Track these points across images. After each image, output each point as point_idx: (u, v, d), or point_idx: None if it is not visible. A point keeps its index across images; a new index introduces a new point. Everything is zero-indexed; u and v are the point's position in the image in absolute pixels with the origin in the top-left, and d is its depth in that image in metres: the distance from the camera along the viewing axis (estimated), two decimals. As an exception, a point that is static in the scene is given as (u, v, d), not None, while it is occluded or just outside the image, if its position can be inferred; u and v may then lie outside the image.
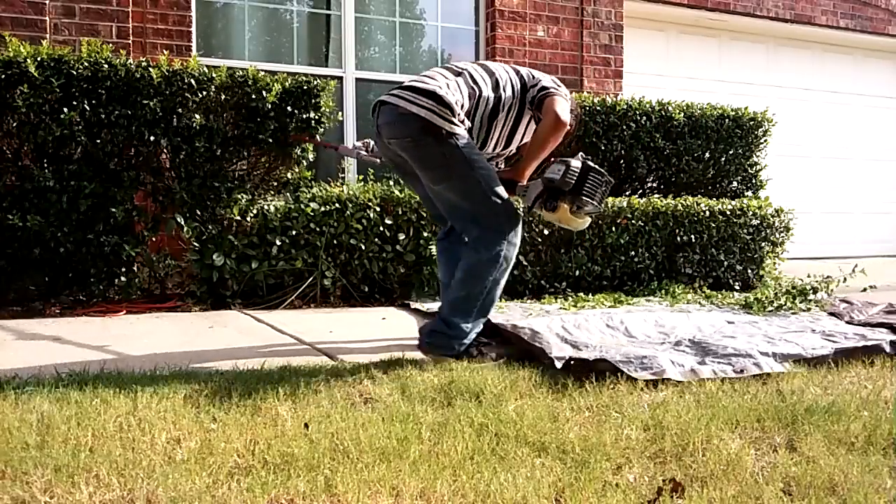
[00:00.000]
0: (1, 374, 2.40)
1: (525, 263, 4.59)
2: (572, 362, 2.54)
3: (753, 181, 5.89)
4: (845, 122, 8.43)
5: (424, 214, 4.31)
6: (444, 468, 1.66)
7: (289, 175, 4.35)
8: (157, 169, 4.08)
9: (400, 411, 2.07)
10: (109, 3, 4.93)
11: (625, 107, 5.38)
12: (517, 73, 2.99)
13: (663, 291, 4.65)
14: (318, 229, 4.14)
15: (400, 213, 4.30)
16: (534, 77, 2.97)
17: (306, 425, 1.94)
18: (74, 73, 3.79)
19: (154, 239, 4.15)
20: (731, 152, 5.73)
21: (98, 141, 3.88)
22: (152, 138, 3.95)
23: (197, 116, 4.02)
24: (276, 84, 4.15)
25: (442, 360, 2.72)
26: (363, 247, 4.23)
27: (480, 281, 2.80)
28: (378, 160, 3.67)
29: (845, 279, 4.18)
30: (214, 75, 4.07)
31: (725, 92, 7.35)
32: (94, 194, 3.84)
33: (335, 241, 4.19)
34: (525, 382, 2.44)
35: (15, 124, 3.82)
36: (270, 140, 4.18)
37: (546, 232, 4.63)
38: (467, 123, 2.82)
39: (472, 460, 1.73)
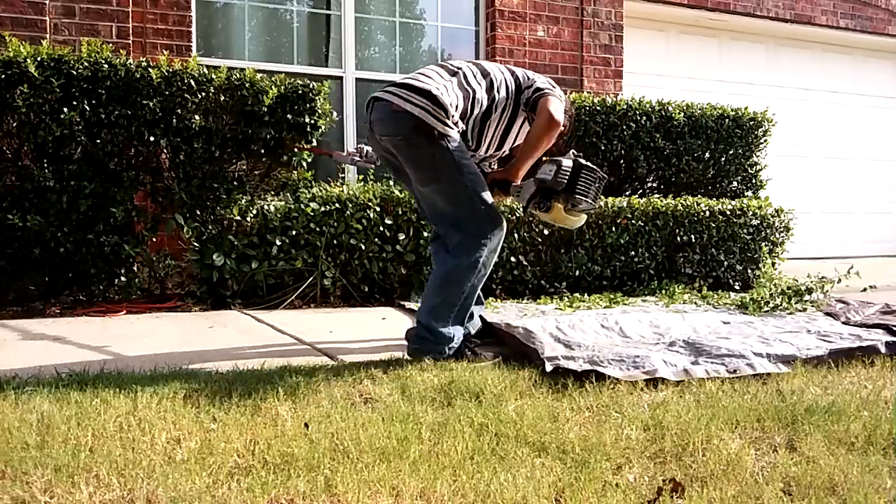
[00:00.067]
0: (1, 374, 2.40)
1: (525, 263, 4.59)
2: (560, 370, 2.53)
3: (753, 181, 5.89)
4: (845, 122, 8.43)
5: (424, 214, 4.32)
6: (444, 468, 1.66)
7: (287, 177, 4.35)
8: (156, 169, 4.09)
9: (400, 411, 2.07)
10: (109, 3, 4.93)
11: (625, 107, 5.39)
12: (512, 73, 2.97)
13: (663, 291, 4.65)
14: (318, 229, 4.14)
15: (400, 213, 4.30)
16: (528, 78, 2.96)
17: (306, 425, 1.94)
18: (74, 73, 3.79)
19: (154, 239, 4.15)
20: (731, 152, 5.73)
21: (98, 141, 3.88)
22: (152, 139, 3.95)
23: (196, 118, 4.01)
24: (272, 88, 4.14)
25: (441, 361, 2.72)
26: (363, 247, 4.23)
27: (458, 287, 2.79)
28: (372, 165, 3.66)
29: (840, 280, 4.17)
30: (214, 76, 4.07)
31: (725, 92, 7.35)
32: (94, 194, 3.84)
33: (335, 241, 4.19)
34: (525, 382, 2.44)
35: (15, 124, 3.82)
36: (264, 148, 4.17)
37: (546, 232, 4.63)
38: (461, 126, 2.80)
39: (472, 460, 1.73)
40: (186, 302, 4.03)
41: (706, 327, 3.31)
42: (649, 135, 5.41)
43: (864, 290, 5.06)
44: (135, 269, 4.11)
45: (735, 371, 2.59)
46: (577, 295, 4.49)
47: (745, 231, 5.21)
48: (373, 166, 3.68)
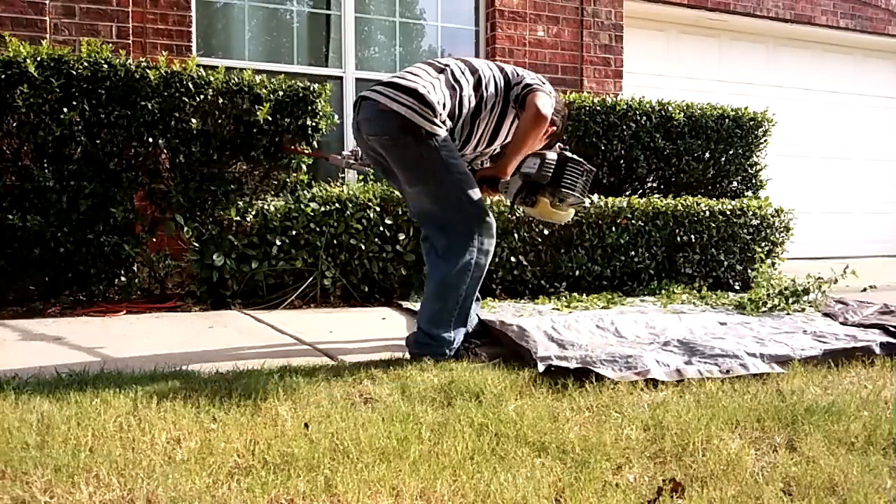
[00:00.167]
0: (1, 374, 2.40)
1: (525, 263, 4.59)
2: (553, 368, 2.52)
3: (753, 181, 5.89)
4: (845, 122, 8.43)
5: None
6: (444, 468, 1.66)
7: (286, 179, 4.35)
8: (155, 170, 4.08)
9: (400, 411, 2.07)
10: (109, 3, 4.94)
11: (625, 107, 5.39)
12: (501, 70, 2.94)
13: (663, 291, 4.65)
14: (318, 229, 4.14)
15: (400, 213, 4.30)
16: (518, 74, 2.92)
17: (306, 425, 1.94)
18: (74, 73, 3.79)
19: (154, 239, 4.15)
20: (731, 152, 5.74)
21: (98, 141, 3.88)
22: (151, 139, 3.95)
23: (193, 121, 4.00)
24: (270, 95, 4.11)
25: (442, 361, 2.72)
26: (363, 247, 4.23)
27: (454, 291, 2.77)
28: (368, 168, 3.65)
29: (836, 280, 4.17)
30: (212, 78, 4.06)
31: (725, 92, 7.35)
32: (94, 194, 3.84)
33: (335, 241, 4.19)
34: (525, 382, 2.44)
35: (15, 124, 3.82)
36: (263, 153, 4.16)
37: (546, 232, 4.63)
38: (448, 124, 2.77)
39: (472, 460, 1.73)
40: (186, 302, 4.03)
41: (703, 328, 3.30)
42: (649, 135, 5.41)
43: (864, 290, 5.06)
44: (135, 269, 4.11)
45: (728, 371, 2.58)
46: (575, 294, 4.49)
47: (745, 231, 5.21)
48: (369, 168, 3.66)
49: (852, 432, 1.96)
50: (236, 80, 4.11)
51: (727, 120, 5.69)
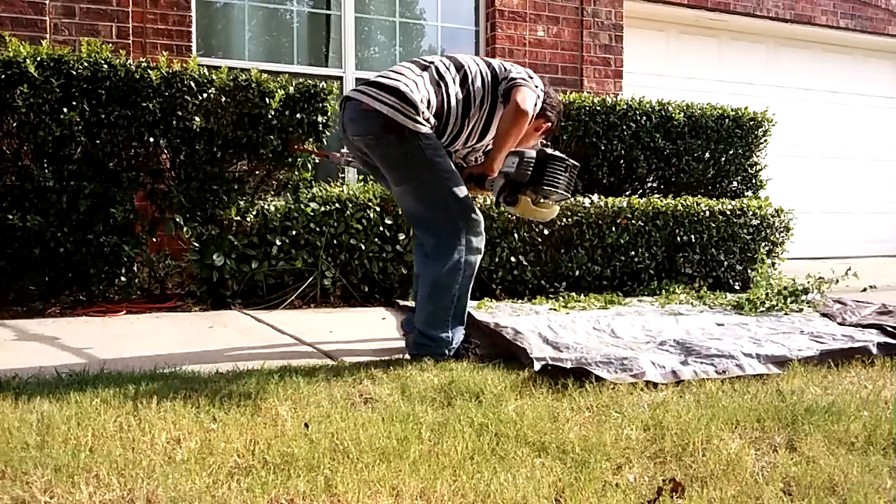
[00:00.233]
0: (1, 374, 2.40)
1: (525, 263, 4.59)
2: (549, 367, 2.52)
3: (753, 181, 5.89)
4: (845, 122, 8.43)
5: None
6: (444, 468, 1.66)
7: (288, 178, 4.34)
8: (156, 170, 4.09)
9: (400, 411, 2.07)
10: (109, 3, 4.94)
11: (625, 107, 5.39)
12: (488, 65, 2.92)
13: (663, 291, 4.64)
14: (318, 229, 4.14)
15: (400, 213, 4.30)
16: (505, 69, 2.90)
17: (306, 425, 1.94)
18: (74, 73, 3.79)
19: (154, 239, 4.15)
20: (731, 152, 5.74)
21: (98, 141, 3.88)
22: (152, 139, 3.95)
23: (197, 119, 4.01)
24: (279, 90, 4.13)
25: (442, 361, 2.72)
26: (363, 247, 4.23)
27: (447, 291, 2.76)
28: None
29: (837, 281, 4.16)
30: (214, 77, 4.06)
31: (725, 92, 7.35)
32: (94, 194, 3.84)
33: (335, 241, 4.19)
34: (525, 382, 2.44)
35: (15, 124, 3.82)
36: (271, 151, 4.16)
37: (546, 232, 4.63)
38: (433, 122, 2.74)
39: (472, 460, 1.73)
40: (186, 302, 4.03)
41: (699, 329, 3.29)
42: (649, 135, 5.41)
43: (864, 290, 5.06)
44: (135, 269, 4.11)
45: (724, 372, 2.56)
46: (573, 294, 4.48)
47: (745, 231, 5.21)
48: None
49: (852, 432, 1.96)
50: (245, 76, 4.13)
51: (727, 120, 5.69)
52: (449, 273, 2.75)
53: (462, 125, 2.86)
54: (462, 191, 2.79)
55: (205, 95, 4.03)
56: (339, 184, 4.51)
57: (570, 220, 4.69)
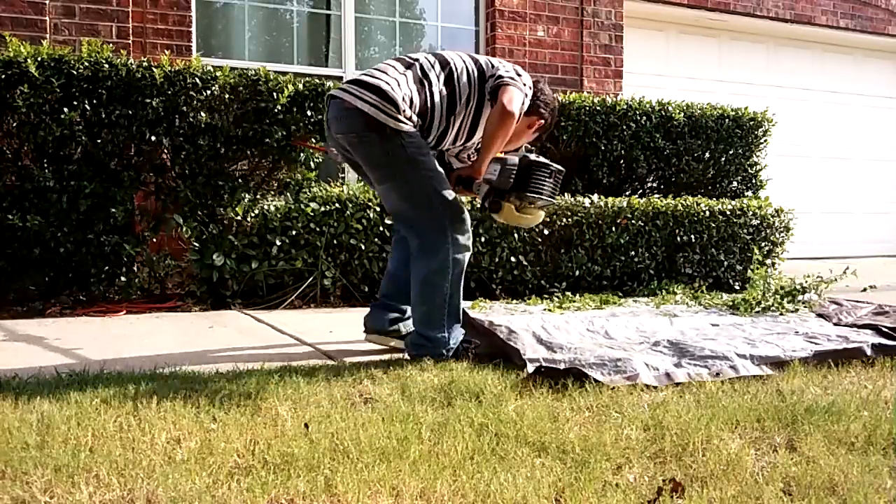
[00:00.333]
0: (1, 374, 2.40)
1: (525, 263, 4.59)
2: (543, 369, 2.50)
3: (753, 181, 5.90)
4: (845, 122, 8.43)
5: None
6: (444, 468, 1.66)
7: (294, 176, 4.35)
8: (160, 167, 4.09)
9: (400, 411, 2.07)
10: (109, 3, 4.94)
11: (625, 107, 5.38)
12: (475, 61, 2.88)
13: (663, 291, 4.64)
14: (318, 229, 4.14)
15: (400, 213, 4.29)
16: (492, 66, 2.86)
17: (306, 425, 1.94)
18: (75, 73, 3.80)
19: (154, 239, 4.16)
20: (731, 152, 5.74)
21: (98, 141, 3.89)
22: (153, 138, 3.96)
23: (202, 114, 4.02)
24: (289, 86, 4.16)
25: (441, 361, 2.71)
26: (363, 247, 4.23)
27: (438, 290, 2.74)
28: None
29: (835, 280, 4.15)
30: (218, 74, 4.07)
31: (725, 92, 7.36)
32: (95, 194, 3.84)
33: (335, 241, 4.19)
34: (525, 382, 2.44)
35: (15, 124, 3.82)
36: (276, 142, 4.17)
37: (546, 232, 4.63)
38: (415, 120, 2.72)
39: (472, 460, 1.73)
40: (186, 302, 4.03)
41: (694, 330, 3.26)
42: (649, 135, 5.41)
43: (864, 290, 5.06)
44: (135, 269, 4.11)
45: (718, 374, 2.55)
46: (568, 294, 4.46)
47: (745, 231, 5.21)
48: None
49: (852, 432, 1.96)
50: (254, 71, 4.15)
51: (727, 120, 5.69)
52: (437, 271, 2.73)
53: (448, 123, 2.83)
54: (446, 189, 2.77)
55: (209, 92, 4.04)
56: (339, 184, 4.51)
57: (570, 220, 4.69)
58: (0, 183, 3.80)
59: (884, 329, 3.15)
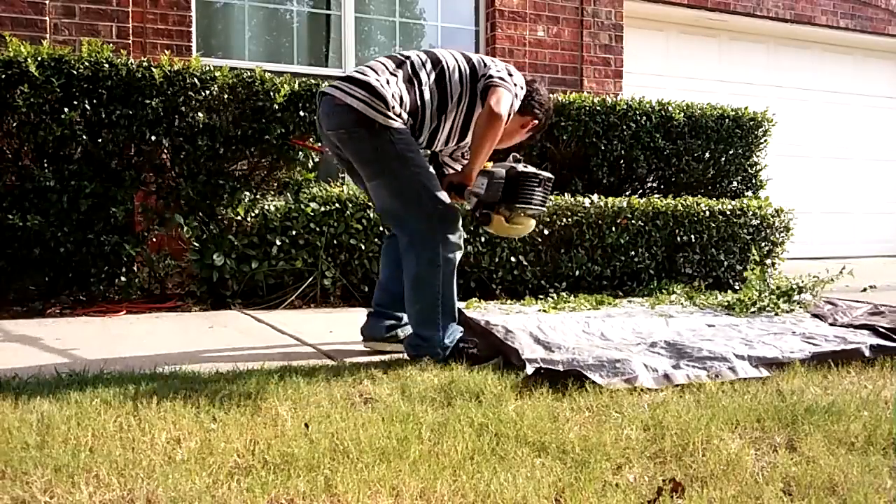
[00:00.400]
0: (1, 374, 2.40)
1: (525, 263, 4.59)
2: (542, 371, 2.48)
3: (753, 181, 5.89)
4: (845, 122, 8.43)
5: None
6: (444, 468, 1.66)
7: (292, 176, 4.35)
8: (159, 167, 4.10)
9: (400, 411, 2.07)
10: (109, 3, 4.94)
11: (625, 107, 5.38)
12: (468, 60, 2.86)
13: (663, 291, 4.63)
14: (318, 229, 4.14)
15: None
16: (484, 65, 2.84)
17: (306, 425, 1.94)
18: (75, 72, 3.80)
19: (154, 239, 4.16)
20: (731, 152, 5.74)
21: (99, 141, 3.89)
22: (153, 138, 3.96)
23: (200, 115, 4.02)
24: (284, 86, 4.17)
25: (441, 363, 2.70)
26: (363, 247, 4.23)
27: (429, 288, 2.72)
28: None
29: (832, 280, 4.14)
30: (217, 74, 4.08)
31: (725, 92, 7.35)
32: (95, 194, 3.84)
33: (335, 241, 4.19)
34: (525, 382, 2.43)
35: (15, 124, 3.82)
36: (275, 139, 4.18)
37: (546, 232, 4.63)
38: (405, 117, 2.72)
39: (472, 460, 1.73)
40: (186, 302, 4.03)
41: (690, 331, 3.24)
42: (649, 135, 5.41)
43: (865, 290, 5.06)
44: (135, 269, 4.12)
45: (717, 375, 2.53)
46: (562, 295, 4.43)
47: (745, 231, 5.21)
48: None
49: (852, 432, 1.96)
50: (249, 73, 4.16)
51: (727, 120, 5.69)
52: (427, 269, 2.71)
53: (439, 122, 2.82)
54: (436, 186, 2.75)
55: (207, 92, 4.04)
56: (339, 184, 4.51)
57: (570, 220, 4.69)
58: (0, 183, 3.80)
59: (881, 329, 3.14)
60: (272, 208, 4.10)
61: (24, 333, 3.25)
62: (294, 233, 4.10)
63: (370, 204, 4.23)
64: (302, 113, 4.23)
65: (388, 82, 2.70)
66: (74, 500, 1.48)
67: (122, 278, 4.01)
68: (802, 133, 8.07)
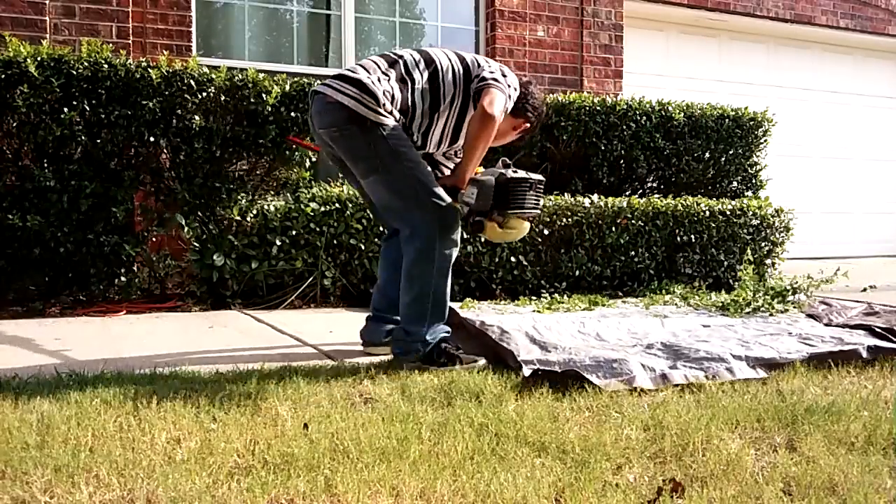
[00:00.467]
0: (1, 374, 2.40)
1: (525, 263, 4.59)
2: (540, 372, 2.47)
3: (753, 181, 5.89)
4: (845, 122, 8.43)
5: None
6: (444, 468, 1.66)
7: (290, 176, 4.35)
8: (156, 169, 4.09)
9: (400, 411, 2.07)
10: (109, 3, 4.93)
11: (625, 107, 5.38)
12: (461, 60, 2.84)
13: (662, 291, 4.63)
14: (318, 229, 4.14)
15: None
16: (478, 65, 2.82)
17: (306, 425, 1.94)
18: (74, 73, 3.80)
19: (154, 239, 4.16)
20: (731, 152, 5.73)
21: (98, 141, 3.89)
22: (152, 139, 3.96)
23: (196, 118, 4.02)
24: (276, 86, 4.16)
25: (419, 363, 2.67)
26: (363, 247, 4.23)
27: (422, 282, 2.71)
28: None
29: (828, 281, 4.14)
30: (214, 76, 4.07)
31: (725, 92, 7.35)
32: (95, 194, 3.84)
33: (335, 241, 4.19)
34: (525, 383, 2.43)
35: (15, 124, 3.82)
36: (270, 141, 4.18)
37: (546, 232, 4.63)
38: (397, 116, 2.72)
39: (472, 460, 1.73)
40: (186, 302, 4.03)
41: (686, 332, 3.23)
42: (649, 135, 5.41)
43: (864, 290, 5.06)
44: (135, 269, 4.11)
45: (715, 376, 2.53)
46: (556, 296, 4.41)
47: (745, 231, 5.21)
48: None
49: (852, 432, 1.96)
50: (241, 76, 4.15)
51: (727, 120, 5.69)
52: (424, 263, 2.70)
53: (431, 121, 2.81)
54: (432, 182, 2.75)
55: (204, 94, 4.04)
56: (339, 184, 4.51)
57: (570, 220, 4.69)
58: (0, 183, 3.79)
59: (877, 330, 3.13)
60: (272, 208, 4.10)
61: (24, 333, 3.25)
62: (294, 233, 4.10)
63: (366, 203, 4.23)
64: (294, 114, 4.22)
65: (379, 80, 2.70)
66: (74, 500, 1.48)
67: (122, 278, 4.01)
68: (802, 133, 8.07)
